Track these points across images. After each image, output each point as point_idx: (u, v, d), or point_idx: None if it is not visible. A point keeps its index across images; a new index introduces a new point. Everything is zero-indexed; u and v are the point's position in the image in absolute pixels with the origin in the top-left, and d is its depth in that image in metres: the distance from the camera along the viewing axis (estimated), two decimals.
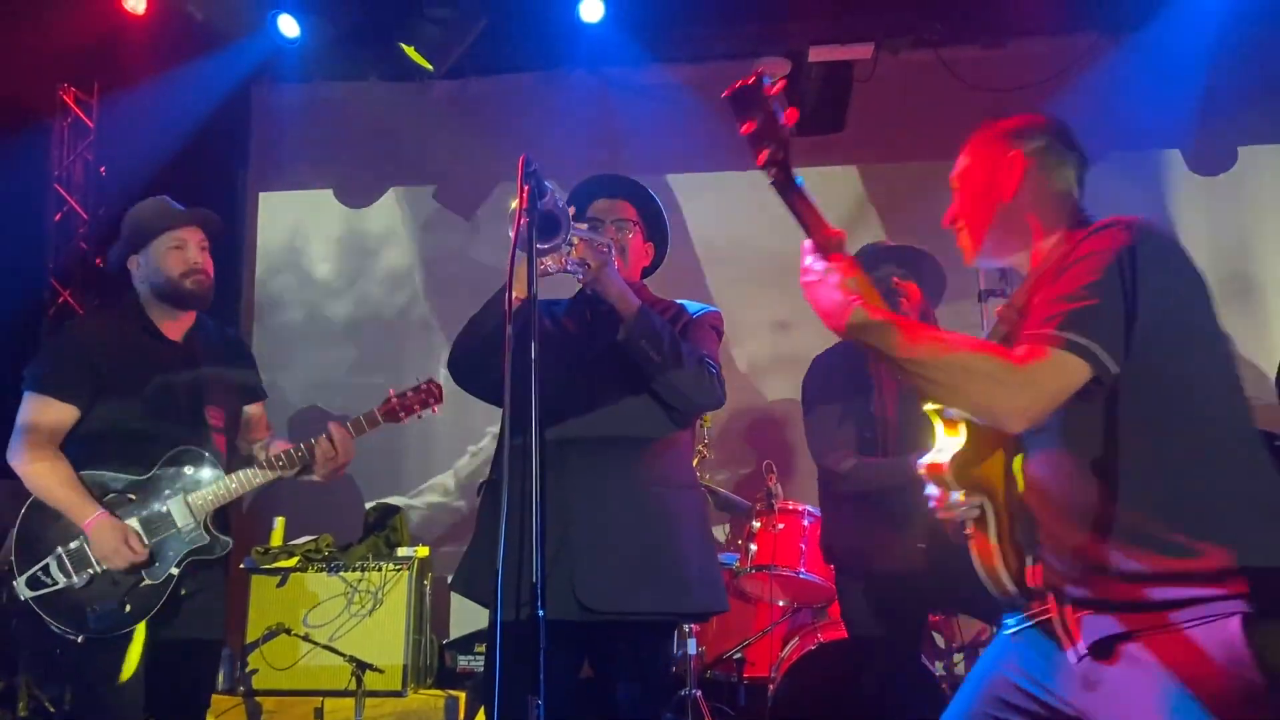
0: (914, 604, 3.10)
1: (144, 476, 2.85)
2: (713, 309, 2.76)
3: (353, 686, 4.08)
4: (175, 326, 2.99)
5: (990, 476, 1.85)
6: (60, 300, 5.67)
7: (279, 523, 4.80)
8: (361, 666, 4.12)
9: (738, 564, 4.11)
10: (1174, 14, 4.97)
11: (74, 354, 2.89)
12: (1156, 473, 1.67)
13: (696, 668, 4.00)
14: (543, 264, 2.30)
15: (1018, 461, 1.84)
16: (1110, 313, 1.64)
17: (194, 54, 5.38)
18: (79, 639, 2.74)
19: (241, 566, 4.47)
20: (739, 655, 4.44)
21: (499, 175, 5.99)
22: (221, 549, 2.89)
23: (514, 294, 2.19)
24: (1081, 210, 1.88)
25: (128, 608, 2.76)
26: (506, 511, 2.03)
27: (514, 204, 2.14)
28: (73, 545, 2.77)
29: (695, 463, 3.53)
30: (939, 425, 1.87)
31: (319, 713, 4.22)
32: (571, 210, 2.34)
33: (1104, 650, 1.69)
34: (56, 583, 2.75)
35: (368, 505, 5.13)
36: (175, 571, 2.81)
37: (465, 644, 4.81)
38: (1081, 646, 1.72)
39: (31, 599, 2.75)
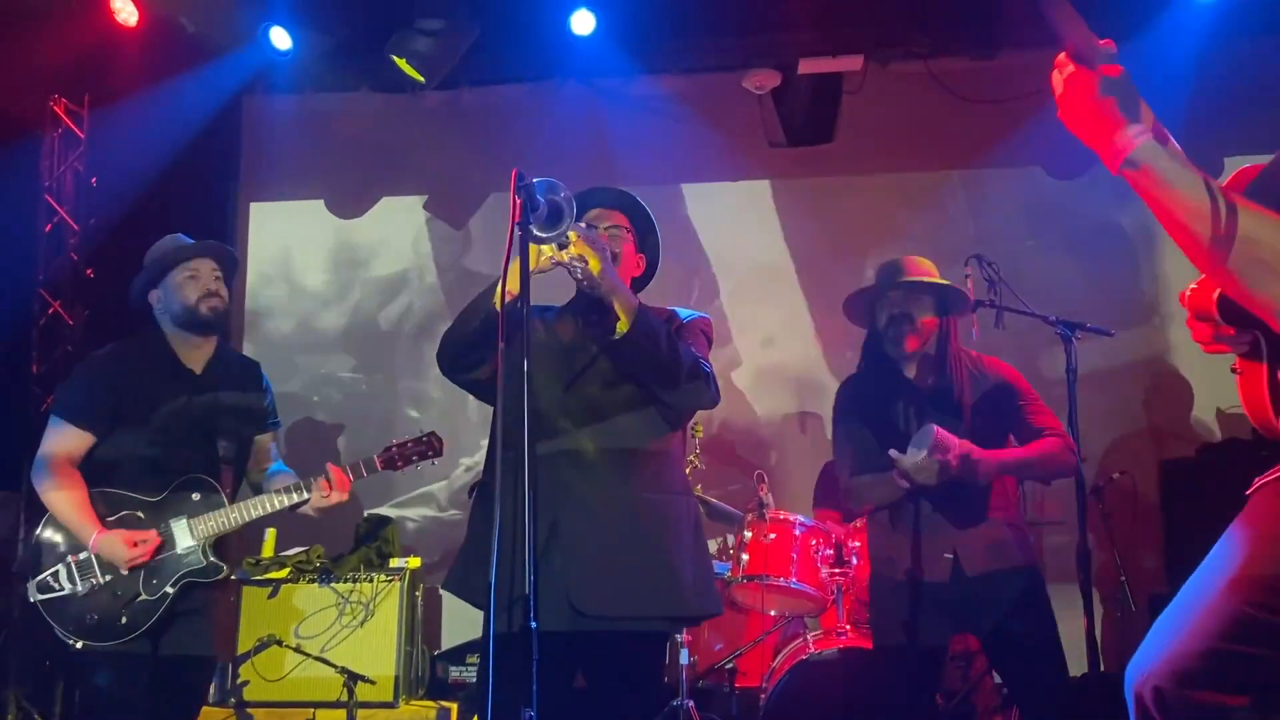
0: (936, 617, 3.11)
1: (154, 499, 3.02)
2: (703, 315, 2.79)
3: (344, 698, 4.08)
4: (196, 356, 3.16)
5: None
6: (50, 311, 5.64)
7: (270, 534, 4.79)
8: (353, 678, 4.11)
9: (729, 573, 4.12)
10: (1160, 26, 4.99)
11: (96, 384, 3.08)
12: None
13: (688, 677, 4.00)
14: (540, 259, 2.32)
15: None
16: None
17: (186, 66, 5.37)
18: (77, 644, 2.90)
19: (233, 577, 4.46)
20: (731, 665, 4.44)
21: (490, 186, 6.01)
22: (215, 573, 3.04)
23: (507, 288, 2.22)
24: None
25: (123, 620, 2.92)
26: (499, 522, 2.04)
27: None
28: (82, 555, 2.96)
29: (687, 472, 3.54)
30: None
31: None
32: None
33: None
34: (63, 589, 2.93)
35: (366, 512, 5.13)
36: (170, 590, 2.96)
37: (457, 655, 4.81)
38: None
39: (39, 601, 2.94)
